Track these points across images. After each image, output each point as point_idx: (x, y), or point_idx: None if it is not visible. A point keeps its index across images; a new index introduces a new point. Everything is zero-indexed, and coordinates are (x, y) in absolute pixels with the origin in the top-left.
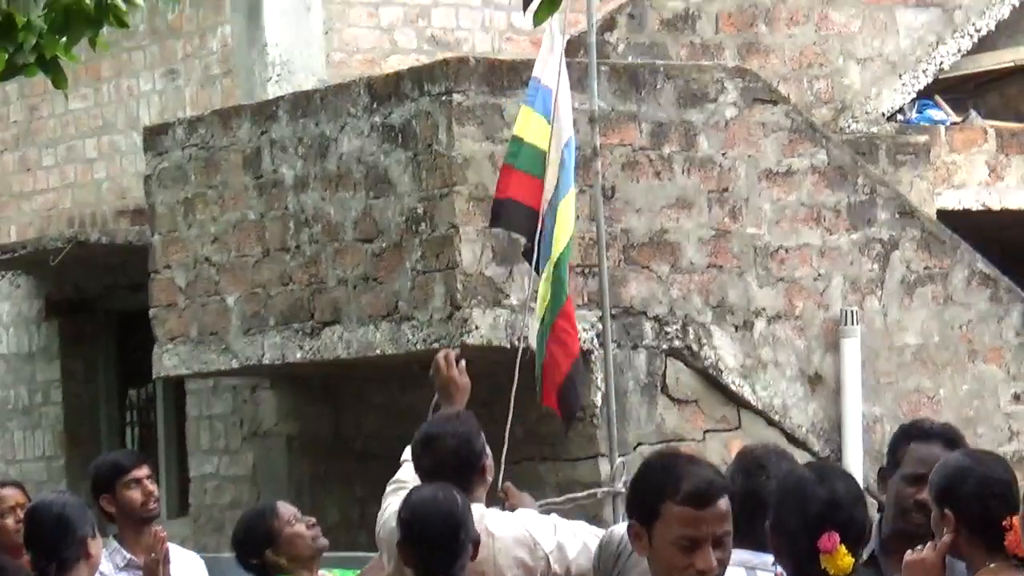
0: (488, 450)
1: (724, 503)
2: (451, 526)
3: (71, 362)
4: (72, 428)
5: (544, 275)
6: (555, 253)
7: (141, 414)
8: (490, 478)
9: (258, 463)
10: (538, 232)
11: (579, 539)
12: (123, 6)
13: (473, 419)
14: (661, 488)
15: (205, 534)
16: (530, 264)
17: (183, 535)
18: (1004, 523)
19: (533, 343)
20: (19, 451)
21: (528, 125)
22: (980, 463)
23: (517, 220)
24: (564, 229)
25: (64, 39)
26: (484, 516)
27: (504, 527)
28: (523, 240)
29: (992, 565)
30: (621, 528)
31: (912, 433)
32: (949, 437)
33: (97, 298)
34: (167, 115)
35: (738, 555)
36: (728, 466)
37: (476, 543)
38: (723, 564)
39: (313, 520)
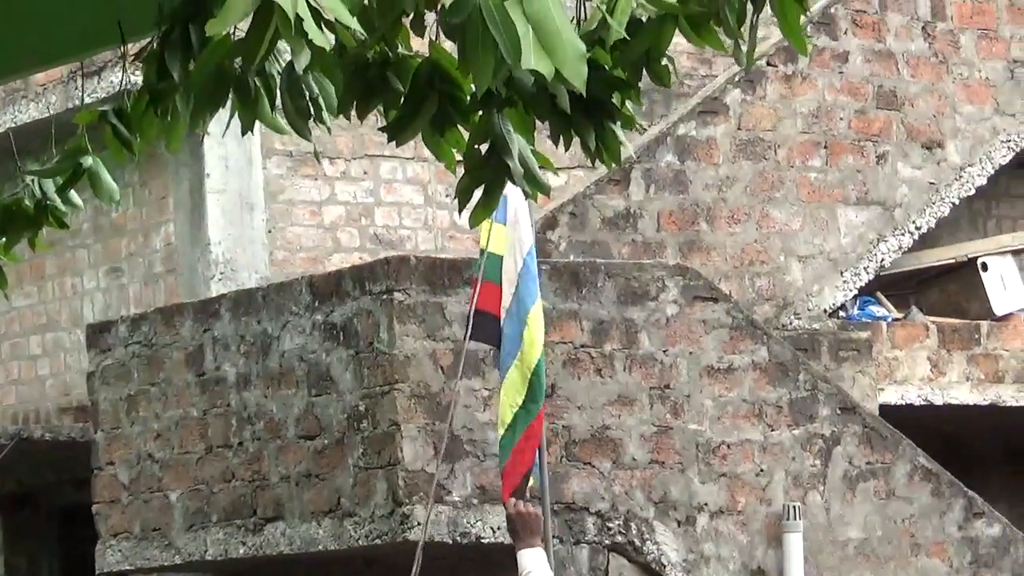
0: None
1: None
2: None
3: (14, 558)
4: None
5: (506, 382)
6: (531, 360)
7: None
8: None
9: None
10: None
11: None
12: (63, 207)
13: None
14: None
15: None
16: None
17: None
18: None
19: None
20: None
21: (490, 236)
22: None
23: (490, 331)
24: (536, 338)
25: (3, 240)
26: None
27: None
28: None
29: None
30: None
31: None
32: None
33: (40, 493)
34: (111, 312)
35: None
36: None
37: None
38: None
39: None
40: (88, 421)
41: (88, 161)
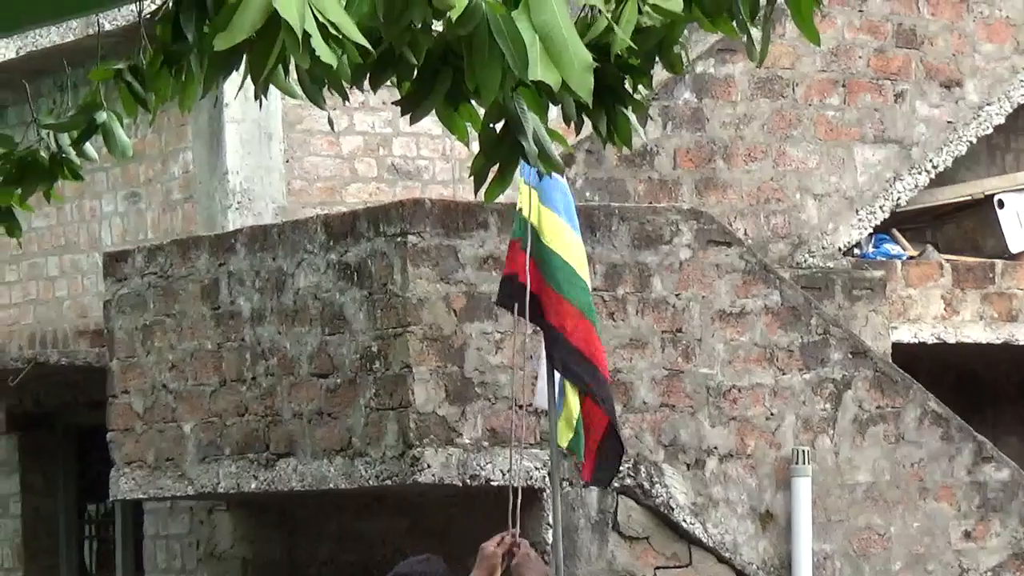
0: None
1: None
2: None
3: (31, 476)
4: (30, 541)
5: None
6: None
7: (99, 529)
8: None
9: None
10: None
11: None
12: (77, 160)
13: (443, 564)
14: None
15: None
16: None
17: None
18: None
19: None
20: None
21: (522, 197)
22: None
23: (511, 295)
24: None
25: (19, 191)
26: None
27: None
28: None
29: None
30: None
31: None
32: None
33: (57, 413)
34: (129, 237)
35: None
36: None
37: None
38: None
39: None
40: (104, 345)
41: (102, 116)
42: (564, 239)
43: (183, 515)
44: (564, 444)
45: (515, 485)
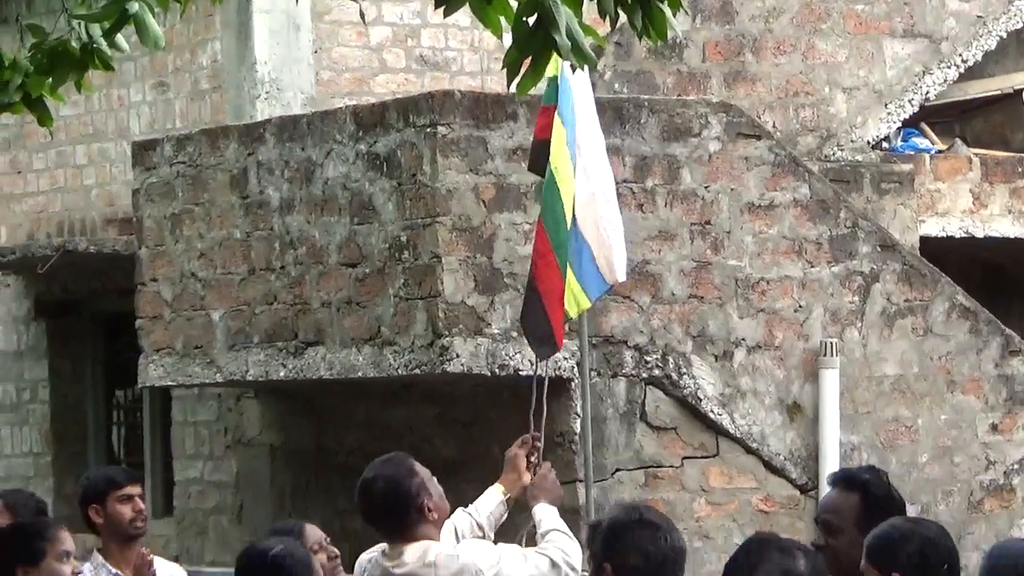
0: (433, 489)
1: None
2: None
3: (59, 362)
4: (59, 426)
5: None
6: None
7: (127, 414)
8: (437, 516)
9: (241, 471)
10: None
11: (524, 562)
12: (108, 51)
13: (407, 461)
14: (739, 572)
15: (188, 536)
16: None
17: (167, 535)
18: None
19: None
20: (6, 447)
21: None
22: (926, 528)
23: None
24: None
25: (50, 80)
26: (428, 551)
27: (448, 561)
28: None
29: None
30: None
31: None
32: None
33: (85, 300)
34: (157, 126)
35: None
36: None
37: None
38: None
39: (336, 552)
40: (132, 233)
41: (135, 7)
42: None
43: (211, 402)
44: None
45: (540, 375)
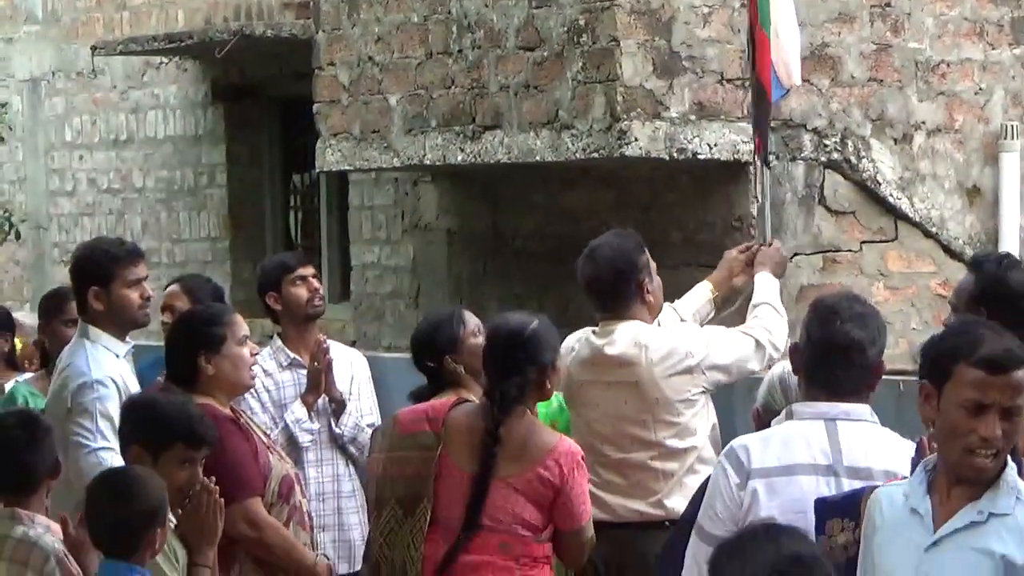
0: (653, 274)
1: (1019, 375)
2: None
3: (236, 146)
4: (236, 211)
5: None
6: None
7: (304, 199)
8: (653, 301)
9: (418, 255)
10: None
11: (730, 342)
12: None
13: (637, 237)
14: (957, 349)
15: (365, 321)
16: None
17: (344, 319)
18: None
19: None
20: (184, 232)
21: None
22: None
23: None
24: None
25: None
26: (640, 332)
27: (659, 343)
28: None
29: None
30: None
31: None
32: None
33: (262, 85)
34: None
35: (815, 407)
36: (804, 318)
37: (542, 370)
38: (1008, 439)
39: None
40: (309, 17)
41: None
42: None
43: (388, 186)
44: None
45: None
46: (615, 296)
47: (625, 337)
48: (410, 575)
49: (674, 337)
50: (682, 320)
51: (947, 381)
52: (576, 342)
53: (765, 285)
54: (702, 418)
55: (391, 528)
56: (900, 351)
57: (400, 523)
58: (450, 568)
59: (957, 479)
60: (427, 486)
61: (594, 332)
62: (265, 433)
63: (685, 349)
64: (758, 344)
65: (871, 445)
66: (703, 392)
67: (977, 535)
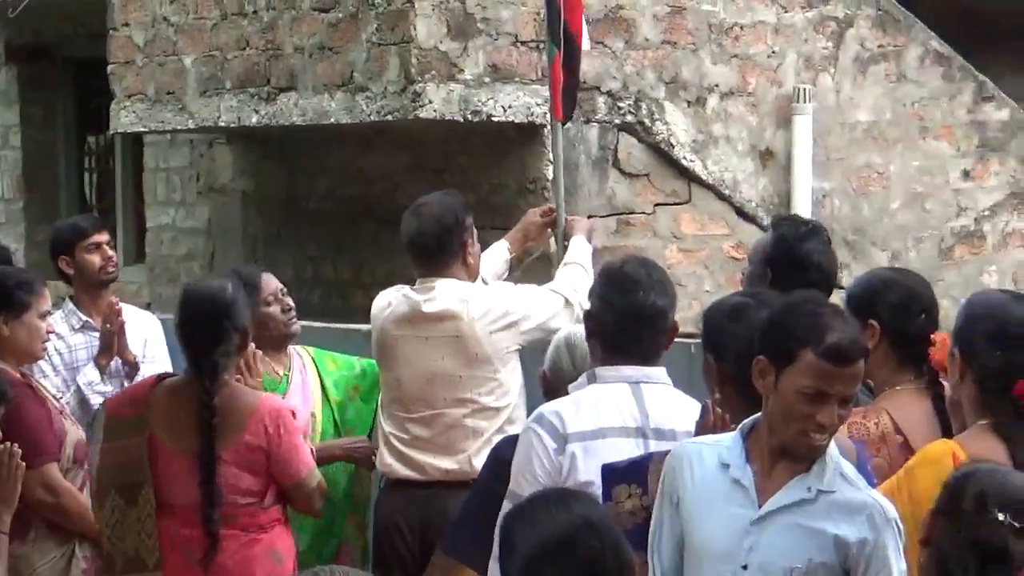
0: (474, 237)
1: (860, 365)
2: (214, 312)
3: (30, 107)
4: (31, 172)
5: None
6: None
7: (99, 161)
8: (472, 263)
9: (213, 217)
10: None
11: (543, 300)
12: None
13: (463, 199)
14: (805, 335)
15: (160, 284)
16: None
17: (139, 282)
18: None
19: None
20: None
21: None
22: (906, 277)
23: None
24: None
25: None
26: (461, 288)
27: (482, 299)
28: None
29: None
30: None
31: None
32: None
33: (56, 45)
34: None
35: (618, 371)
36: (595, 284)
37: (244, 333)
38: (842, 421)
39: (291, 305)
40: None
41: None
42: None
43: (183, 148)
44: None
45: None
46: (438, 251)
47: (446, 293)
48: (148, 561)
49: (495, 294)
50: (481, 279)
51: (789, 364)
52: (391, 299)
53: (577, 247)
54: (516, 376)
55: (116, 520)
56: (692, 313)
57: (124, 513)
58: (216, 548)
59: (784, 453)
60: (143, 471)
61: (413, 289)
62: (56, 398)
63: (505, 306)
64: (567, 302)
65: (672, 407)
66: (518, 349)
67: (807, 513)
